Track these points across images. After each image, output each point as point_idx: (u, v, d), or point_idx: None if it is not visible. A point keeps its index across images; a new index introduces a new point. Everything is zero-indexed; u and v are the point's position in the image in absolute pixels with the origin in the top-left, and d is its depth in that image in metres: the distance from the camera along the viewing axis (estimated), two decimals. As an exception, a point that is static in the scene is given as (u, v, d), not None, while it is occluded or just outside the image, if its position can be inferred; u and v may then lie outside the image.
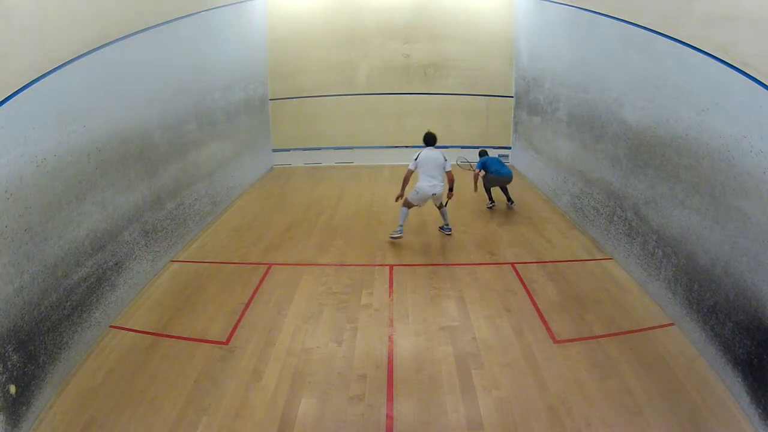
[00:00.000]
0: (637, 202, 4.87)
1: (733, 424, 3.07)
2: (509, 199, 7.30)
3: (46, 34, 3.45)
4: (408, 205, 6.00)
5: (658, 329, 4.08)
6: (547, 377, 3.50)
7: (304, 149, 10.20)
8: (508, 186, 7.23)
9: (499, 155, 10.22)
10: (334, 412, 3.22)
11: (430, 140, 6.12)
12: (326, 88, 9.88)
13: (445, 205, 6.22)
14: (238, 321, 4.27)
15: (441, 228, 6.34)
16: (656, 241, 4.49)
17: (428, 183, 5.84)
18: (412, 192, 5.98)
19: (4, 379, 2.89)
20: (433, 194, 5.92)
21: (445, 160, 5.94)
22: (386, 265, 5.35)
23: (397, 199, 6.08)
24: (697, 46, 3.80)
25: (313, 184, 8.94)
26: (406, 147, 10.00)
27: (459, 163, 7.41)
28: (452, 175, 5.97)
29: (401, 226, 6.01)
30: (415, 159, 5.93)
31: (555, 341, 3.94)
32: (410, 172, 5.96)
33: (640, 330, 4.07)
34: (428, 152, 5.97)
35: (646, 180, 4.68)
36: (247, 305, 4.54)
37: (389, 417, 3.17)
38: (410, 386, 3.45)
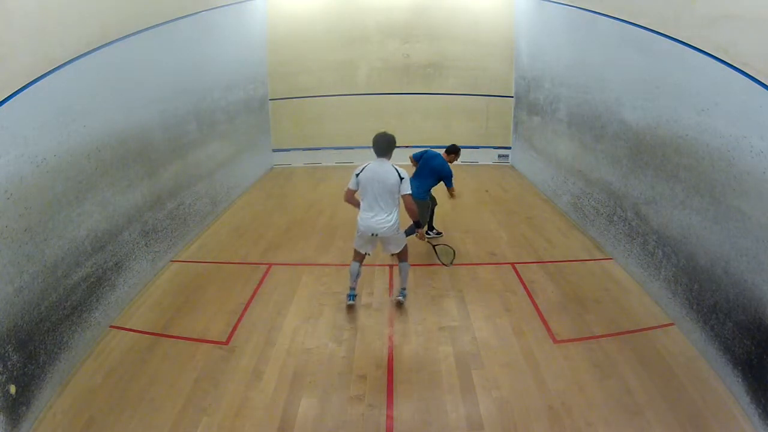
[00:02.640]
0: (637, 202, 4.87)
1: (733, 424, 3.07)
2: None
3: (46, 34, 3.45)
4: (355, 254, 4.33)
5: (658, 329, 4.08)
6: (547, 377, 3.50)
7: (304, 149, 10.20)
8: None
9: (498, 155, 10.30)
10: (334, 413, 3.21)
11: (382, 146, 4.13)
12: (326, 88, 9.89)
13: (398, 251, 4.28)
14: (238, 321, 4.27)
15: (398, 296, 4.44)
16: (656, 241, 4.49)
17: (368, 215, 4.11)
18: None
19: (4, 379, 2.89)
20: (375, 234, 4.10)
21: (401, 180, 4.01)
22: (386, 265, 5.35)
23: None
24: (697, 46, 3.80)
25: (313, 184, 8.94)
26: (407, 147, 9.99)
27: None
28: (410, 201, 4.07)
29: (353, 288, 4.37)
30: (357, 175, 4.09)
31: (555, 341, 3.94)
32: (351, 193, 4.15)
33: (640, 330, 4.07)
34: (376, 166, 4.06)
35: (646, 180, 4.68)
36: (247, 305, 4.53)
37: (389, 417, 3.17)
38: (410, 386, 3.45)
